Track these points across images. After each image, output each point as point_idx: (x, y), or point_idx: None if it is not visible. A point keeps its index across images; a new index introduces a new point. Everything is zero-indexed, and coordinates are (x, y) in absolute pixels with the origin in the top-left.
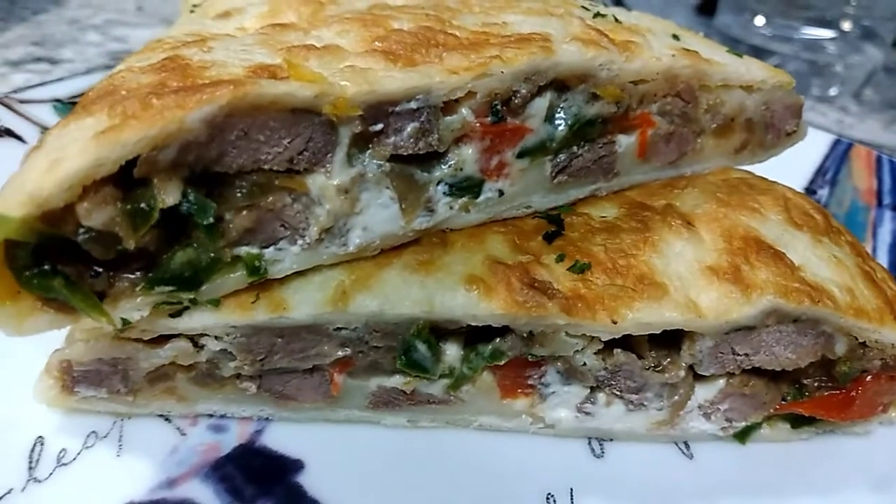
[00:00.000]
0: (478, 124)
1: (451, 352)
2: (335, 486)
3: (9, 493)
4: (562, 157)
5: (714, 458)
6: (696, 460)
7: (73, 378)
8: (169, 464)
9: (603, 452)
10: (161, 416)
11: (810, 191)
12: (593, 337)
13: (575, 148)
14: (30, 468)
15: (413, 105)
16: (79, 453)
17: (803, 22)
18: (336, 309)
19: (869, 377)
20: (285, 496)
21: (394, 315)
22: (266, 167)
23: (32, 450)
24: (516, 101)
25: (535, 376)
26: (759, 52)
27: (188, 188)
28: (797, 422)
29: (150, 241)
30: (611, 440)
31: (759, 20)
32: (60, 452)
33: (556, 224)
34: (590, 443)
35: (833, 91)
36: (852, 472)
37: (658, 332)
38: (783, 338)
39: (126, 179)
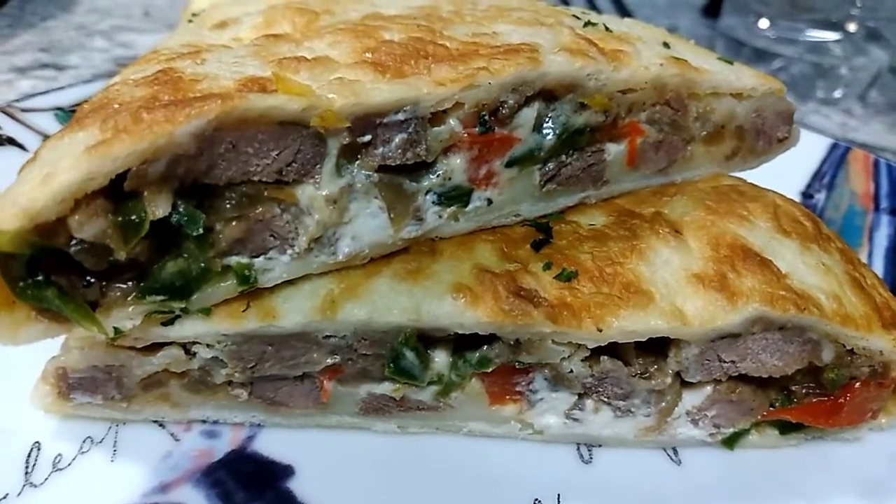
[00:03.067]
0: (465, 134)
1: (440, 359)
2: (325, 492)
3: (5, 497)
4: (550, 165)
5: (702, 464)
6: (685, 466)
7: (68, 385)
8: (162, 469)
9: (591, 458)
10: (155, 421)
11: (807, 195)
12: (580, 345)
13: (563, 157)
14: (26, 473)
15: (401, 116)
16: (74, 458)
17: (808, 24)
18: (324, 317)
19: (858, 384)
20: (275, 502)
21: (382, 323)
22: (255, 178)
23: (29, 455)
24: (504, 112)
25: (523, 383)
26: (764, 55)
27: (178, 200)
28: (786, 428)
29: (141, 251)
30: (599, 446)
31: (764, 22)
32: (56, 457)
33: (544, 232)
34: (578, 448)
35: (838, 93)
36: (841, 478)
37: (644, 339)
38: (769, 345)
39: (117, 192)
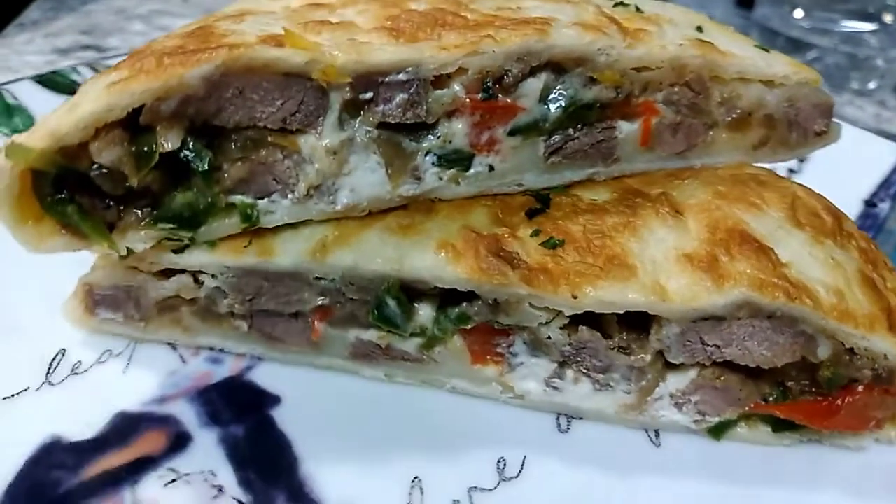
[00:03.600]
0: (468, 100)
1: (424, 312)
2: (303, 424)
3: (25, 390)
4: (556, 138)
5: (683, 450)
6: (663, 448)
7: (94, 301)
8: (165, 384)
9: (568, 428)
10: (170, 344)
11: (870, 203)
12: (559, 311)
13: (571, 130)
14: (47, 373)
15: (402, 77)
16: (91, 366)
17: (843, 15)
18: (315, 260)
19: (860, 387)
20: (255, 425)
21: (367, 271)
22: (261, 125)
23: (53, 359)
24: (508, 80)
25: (504, 345)
26: (798, 45)
27: (189, 138)
28: (779, 426)
29: (153, 181)
30: (580, 419)
31: (798, 13)
32: (76, 363)
33: (542, 202)
34: (558, 418)
35: (872, 85)
36: (834, 488)
37: (621, 312)
38: (756, 333)
39: (134, 125)
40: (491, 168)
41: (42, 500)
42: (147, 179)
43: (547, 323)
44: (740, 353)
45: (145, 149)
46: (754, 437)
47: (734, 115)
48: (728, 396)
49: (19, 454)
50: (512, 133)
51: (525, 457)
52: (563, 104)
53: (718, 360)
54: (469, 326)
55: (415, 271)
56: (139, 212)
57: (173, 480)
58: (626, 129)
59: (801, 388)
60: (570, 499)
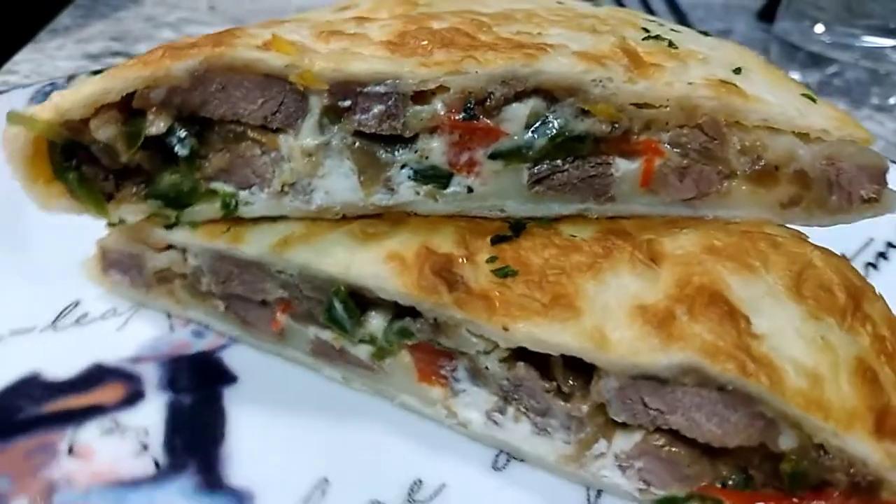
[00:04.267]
0: (447, 118)
1: (375, 322)
2: (246, 406)
3: (32, 329)
4: (543, 167)
5: None
6: None
7: (108, 262)
8: (145, 346)
9: (504, 467)
10: (167, 314)
11: None
12: (497, 344)
13: (559, 161)
14: (56, 319)
15: (381, 89)
16: (94, 320)
17: (864, 30)
18: (274, 253)
19: (836, 493)
20: (203, 398)
21: (317, 270)
22: (244, 120)
23: (66, 308)
24: (491, 103)
25: (448, 368)
26: (819, 60)
27: (177, 125)
28: None
29: (146, 161)
30: (522, 461)
31: (819, 27)
32: (83, 315)
33: (514, 230)
34: (498, 455)
35: (893, 100)
36: None
37: (556, 354)
38: (704, 405)
39: (131, 109)
40: (470, 189)
41: None
42: (138, 158)
43: (487, 353)
44: (686, 423)
45: (135, 130)
46: None
47: (757, 168)
48: (674, 470)
49: (2, 379)
50: (493, 157)
51: (444, 485)
52: (552, 133)
53: (664, 427)
54: (411, 342)
55: (360, 278)
56: (134, 188)
57: (111, 430)
58: (625, 167)
59: (764, 480)
60: None
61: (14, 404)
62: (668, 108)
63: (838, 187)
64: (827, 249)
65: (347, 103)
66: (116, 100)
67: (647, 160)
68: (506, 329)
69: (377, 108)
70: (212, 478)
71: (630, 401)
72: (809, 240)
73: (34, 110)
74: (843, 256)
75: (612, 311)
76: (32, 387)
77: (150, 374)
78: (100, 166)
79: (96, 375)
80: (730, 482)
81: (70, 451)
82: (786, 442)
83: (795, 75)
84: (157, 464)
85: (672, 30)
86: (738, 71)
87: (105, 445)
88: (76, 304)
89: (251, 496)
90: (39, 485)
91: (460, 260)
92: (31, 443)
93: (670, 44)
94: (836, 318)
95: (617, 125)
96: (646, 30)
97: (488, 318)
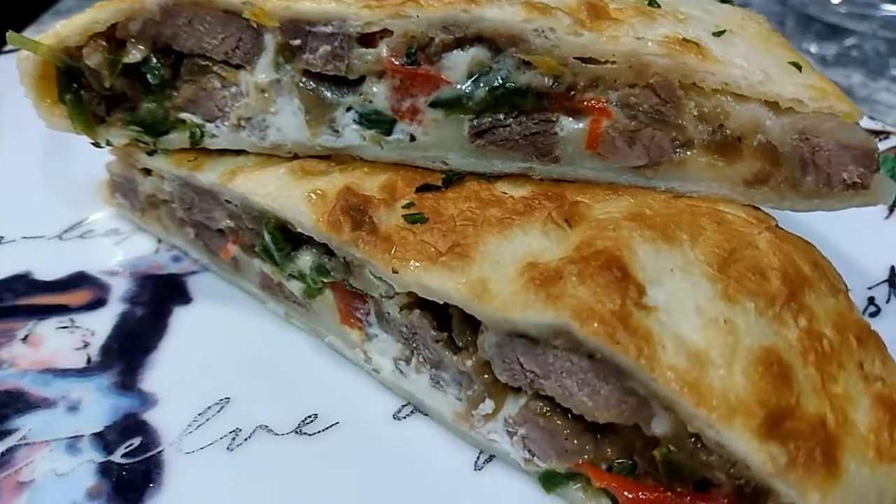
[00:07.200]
0: (388, 62)
1: (306, 258)
2: (187, 325)
3: (41, 237)
4: (485, 120)
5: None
6: (481, 474)
7: (113, 185)
8: (126, 263)
9: (405, 418)
10: (158, 239)
11: None
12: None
13: (502, 116)
14: (63, 231)
15: (328, 29)
16: (95, 237)
17: None
18: (221, 182)
19: (721, 495)
20: (154, 312)
21: (252, 201)
22: (209, 55)
23: (75, 224)
24: (432, 49)
25: (362, 311)
26: (836, 31)
27: (153, 56)
28: None
29: (126, 88)
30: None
31: None
32: (87, 231)
33: (446, 182)
34: (404, 406)
35: None
36: None
37: (440, 302)
38: (574, 371)
39: (117, 41)
40: (412, 138)
41: None
42: (120, 85)
43: (389, 297)
44: (560, 391)
45: (116, 58)
46: None
47: (718, 137)
48: (554, 442)
49: None
50: (434, 105)
51: (337, 423)
52: (493, 85)
53: (542, 394)
54: (327, 280)
55: (282, 210)
56: (121, 114)
57: (65, 327)
58: (569, 127)
59: (646, 468)
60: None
61: None
62: (615, 65)
63: (814, 167)
64: (791, 235)
65: (298, 42)
66: (103, 29)
67: (593, 120)
68: (395, 272)
69: (324, 48)
70: (128, 380)
71: (508, 360)
72: (780, 225)
73: (41, 37)
74: (811, 245)
75: (502, 266)
76: (20, 282)
77: (119, 287)
78: (94, 92)
79: (75, 281)
80: (614, 466)
81: (25, 339)
82: (660, 425)
83: (812, 47)
84: (88, 359)
85: None
86: (720, 34)
87: (54, 338)
88: (85, 221)
89: (154, 401)
90: None
91: (377, 202)
92: None
93: (651, 2)
94: (759, 304)
95: (560, 80)
96: None
97: (382, 259)
